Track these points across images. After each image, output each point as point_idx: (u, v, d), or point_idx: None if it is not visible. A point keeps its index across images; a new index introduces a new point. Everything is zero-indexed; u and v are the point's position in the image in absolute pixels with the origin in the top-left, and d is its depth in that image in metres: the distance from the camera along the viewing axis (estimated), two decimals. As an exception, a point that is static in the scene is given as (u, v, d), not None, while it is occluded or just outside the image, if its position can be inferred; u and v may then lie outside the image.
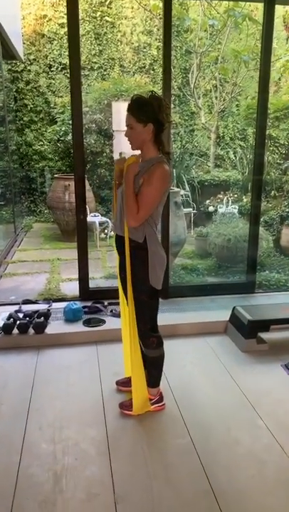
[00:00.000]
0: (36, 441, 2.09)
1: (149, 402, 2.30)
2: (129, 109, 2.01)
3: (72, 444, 2.07)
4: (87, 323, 3.25)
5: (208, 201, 6.94)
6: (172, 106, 8.48)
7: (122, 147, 7.07)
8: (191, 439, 2.12)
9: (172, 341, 3.09)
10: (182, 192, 6.99)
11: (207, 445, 2.08)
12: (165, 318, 3.32)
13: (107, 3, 8.16)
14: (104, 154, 7.40)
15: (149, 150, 2.06)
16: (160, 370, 2.32)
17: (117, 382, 2.54)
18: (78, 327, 3.20)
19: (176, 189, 4.39)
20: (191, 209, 6.86)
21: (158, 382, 2.34)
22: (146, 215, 2.02)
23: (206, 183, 7.40)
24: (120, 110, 6.93)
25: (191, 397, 2.47)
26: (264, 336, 3.04)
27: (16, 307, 3.48)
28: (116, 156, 7.50)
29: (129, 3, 8.32)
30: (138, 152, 2.11)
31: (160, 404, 2.34)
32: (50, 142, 8.06)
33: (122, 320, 2.43)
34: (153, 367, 2.29)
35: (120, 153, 7.50)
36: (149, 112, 1.99)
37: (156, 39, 8.30)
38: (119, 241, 2.17)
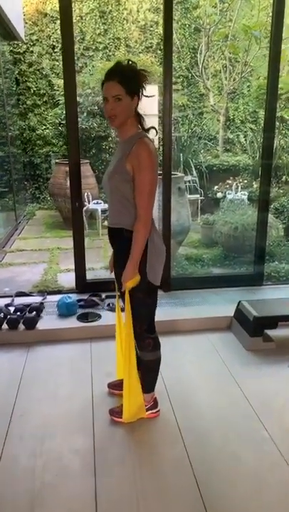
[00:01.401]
0: (16, 454, 1.91)
1: (144, 408, 2.10)
2: (118, 77, 1.74)
3: (55, 457, 1.88)
4: (82, 318, 3.05)
5: (216, 187, 6.66)
6: (180, 87, 8.14)
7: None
8: (187, 452, 1.92)
9: (171, 338, 2.90)
10: (189, 177, 6.72)
11: (203, 461, 1.87)
12: (165, 312, 3.12)
13: (111, -22, 7.79)
14: (110, 139, 7.13)
15: (132, 126, 1.84)
16: (156, 374, 2.12)
17: (109, 385, 2.34)
18: (72, 322, 3.01)
19: (179, 174, 4.13)
20: (198, 195, 6.59)
21: (152, 388, 2.13)
22: (152, 203, 1.82)
23: (215, 168, 7.10)
24: None
25: (188, 402, 2.27)
26: (271, 333, 2.81)
27: (9, 300, 3.31)
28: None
29: (134, -23, 7.94)
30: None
31: (154, 410, 2.14)
32: (53, 126, 7.81)
33: (116, 317, 2.22)
34: (148, 371, 2.08)
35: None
36: (138, 83, 1.77)
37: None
38: (112, 232, 1.95)
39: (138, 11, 7.96)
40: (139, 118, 1.85)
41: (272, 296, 3.40)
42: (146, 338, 2.00)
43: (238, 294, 3.43)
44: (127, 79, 1.75)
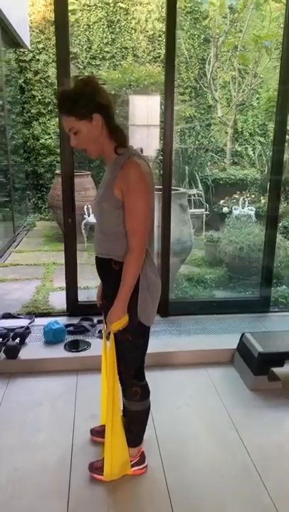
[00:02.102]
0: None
1: (128, 464, 1.82)
2: (63, 108, 1.49)
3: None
4: (70, 346, 2.79)
5: (222, 201, 6.39)
6: (188, 98, 7.94)
7: (138, 143, 6.59)
8: (176, 521, 1.64)
9: (167, 373, 2.63)
10: (194, 191, 6.47)
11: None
12: (161, 342, 2.85)
13: (121, -12, 7.66)
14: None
15: (110, 147, 1.56)
16: (143, 426, 1.84)
17: (92, 431, 2.07)
18: (58, 351, 2.74)
19: (181, 189, 3.87)
20: (203, 210, 6.33)
21: (139, 441, 1.86)
22: (146, 233, 1.55)
23: (221, 182, 6.85)
24: (136, 103, 6.45)
25: (181, 456, 1.98)
26: (278, 371, 2.52)
27: (-7, 322, 3.07)
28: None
29: (144, -13, 7.80)
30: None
31: (141, 466, 1.86)
32: (57, 136, 7.63)
33: (102, 351, 1.95)
34: (134, 423, 1.81)
35: (141, 150, 7.02)
36: (87, 101, 1.47)
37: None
38: (99, 263, 1.69)
39: (146, 21, 7.80)
40: (114, 133, 1.55)
41: (280, 327, 3.11)
42: (134, 385, 1.73)
43: (242, 322, 3.16)
44: (72, 106, 1.48)
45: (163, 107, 3.09)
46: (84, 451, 1.98)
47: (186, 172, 6.75)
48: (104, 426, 1.97)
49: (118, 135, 1.56)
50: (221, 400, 2.40)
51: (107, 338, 1.70)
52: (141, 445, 1.87)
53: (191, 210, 6.26)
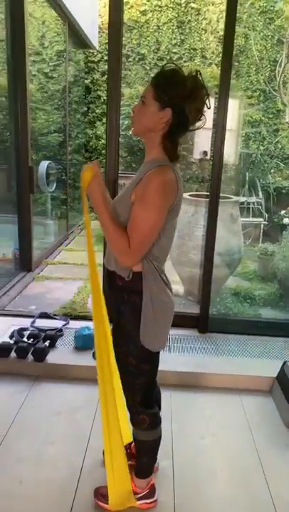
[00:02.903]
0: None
1: (132, 496, 1.67)
2: (153, 79, 1.38)
3: None
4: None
5: (283, 211, 6.01)
6: (256, 102, 7.59)
7: (203, 145, 6.41)
8: None
9: (195, 396, 2.44)
10: (254, 199, 6.15)
11: None
12: (193, 360, 2.67)
13: (194, -13, 7.51)
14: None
15: (154, 147, 1.42)
16: (152, 458, 1.68)
17: (104, 452, 1.94)
18: (85, 359, 2.66)
19: (234, 198, 3.64)
20: (262, 219, 5.99)
21: (149, 472, 1.70)
22: (145, 248, 1.39)
23: (284, 191, 6.45)
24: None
25: (196, 493, 1.80)
26: None
27: (30, 320, 3.06)
28: (196, 156, 6.86)
29: (218, -13, 7.58)
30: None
31: (149, 500, 1.70)
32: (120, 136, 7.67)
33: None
34: (142, 453, 1.65)
35: (204, 152, 6.83)
36: (177, 93, 1.33)
37: (245, 27, 7.45)
38: (107, 276, 1.57)
39: (218, 21, 7.57)
40: (169, 143, 1.40)
41: None
42: (141, 413, 1.58)
43: (287, 348, 2.88)
44: (161, 82, 1.36)
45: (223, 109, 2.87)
46: (93, 472, 1.86)
47: (247, 178, 6.44)
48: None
49: (170, 146, 1.40)
50: (251, 434, 2.16)
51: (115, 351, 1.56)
52: (150, 477, 1.71)
53: (248, 219, 5.95)
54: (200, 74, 1.35)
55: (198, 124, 1.40)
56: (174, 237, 1.53)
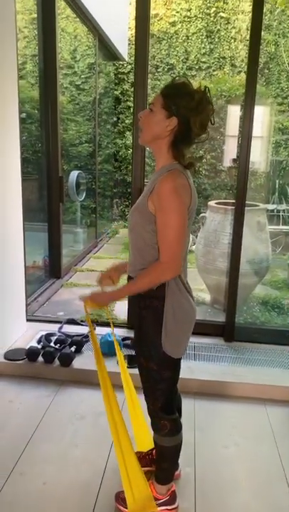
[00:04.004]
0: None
1: (153, 501, 1.68)
2: (164, 89, 1.45)
3: None
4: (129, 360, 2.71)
5: (315, 220, 5.89)
6: (287, 109, 7.50)
7: (234, 153, 6.39)
8: None
9: (221, 404, 2.43)
10: (284, 206, 6.06)
11: None
12: (219, 369, 2.65)
13: (223, -3, 7.56)
14: (204, 160, 6.80)
15: (162, 154, 1.47)
16: (173, 464, 1.69)
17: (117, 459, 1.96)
18: (110, 365, 2.67)
19: (261, 206, 3.61)
20: (292, 227, 5.88)
21: (168, 479, 1.70)
22: (178, 252, 1.41)
23: (315, 199, 6.31)
24: (232, 113, 6.29)
25: (218, 503, 1.78)
26: None
27: (57, 326, 3.14)
28: (227, 164, 6.83)
29: (248, -5, 7.59)
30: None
31: (170, 507, 1.69)
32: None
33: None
34: (162, 459, 1.66)
35: (234, 160, 6.80)
36: (184, 104, 1.39)
37: (275, 34, 7.41)
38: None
39: (247, 29, 7.55)
40: (176, 151, 1.44)
41: None
42: (161, 418, 1.59)
43: (316, 359, 2.81)
44: (169, 92, 1.43)
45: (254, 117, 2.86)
46: (115, 476, 1.88)
47: (277, 186, 6.35)
48: (139, 453, 1.86)
49: (177, 154, 1.45)
50: (276, 446, 2.13)
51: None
52: (171, 484, 1.71)
53: (278, 227, 5.86)
54: (208, 90, 1.40)
55: (202, 137, 1.45)
56: (188, 240, 1.55)
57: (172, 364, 1.55)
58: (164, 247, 1.40)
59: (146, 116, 1.46)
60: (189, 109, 1.39)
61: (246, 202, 2.87)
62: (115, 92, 7.72)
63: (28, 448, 2.05)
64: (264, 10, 7.37)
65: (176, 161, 1.45)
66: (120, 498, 1.72)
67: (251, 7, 2.75)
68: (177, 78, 1.45)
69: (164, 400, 1.58)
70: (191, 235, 4.43)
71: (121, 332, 3.05)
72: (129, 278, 1.59)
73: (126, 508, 1.68)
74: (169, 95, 1.42)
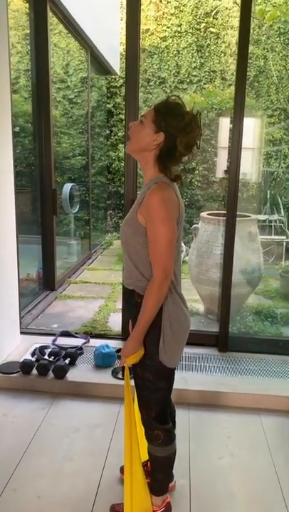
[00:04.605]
0: None
1: (150, 513, 1.67)
2: (157, 105, 1.49)
3: None
4: (117, 373, 2.72)
5: (306, 229, 5.96)
6: (277, 121, 7.63)
7: (225, 165, 6.47)
8: None
9: (215, 415, 2.43)
10: (275, 216, 6.12)
11: None
12: (213, 379, 2.66)
13: (213, 13, 7.72)
14: (196, 172, 6.88)
15: (148, 166, 1.51)
16: (167, 474, 1.69)
17: (122, 469, 1.95)
18: (105, 377, 2.69)
19: (252, 216, 3.65)
20: (284, 237, 5.94)
21: (164, 490, 1.70)
22: (169, 263, 1.43)
23: (307, 209, 6.39)
24: (224, 126, 6.39)
25: (214, 514, 1.78)
26: None
27: (51, 338, 3.14)
28: (219, 175, 6.92)
29: (237, 11, 7.76)
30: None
31: (165, 519, 1.70)
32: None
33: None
34: (157, 470, 1.66)
35: (226, 171, 6.88)
36: (173, 122, 1.44)
37: (264, 48, 7.57)
38: (125, 293, 1.62)
39: (237, 44, 7.73)
40: (161, 164, 1.48)
41: None
42: (155, 428, 1.59)
43: (309, 367, 2.83)
44: (162, 111, 1.47)
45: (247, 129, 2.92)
46: (110, 489, 1.87)
47: (268, 196, 6.43)
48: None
49: (163, 168, 1.48)
50: (270, 456, 2.13)
51: (122, 373, 1.60)
52: (166, 495, 1.71)
53: (270, 237, 5.91)
54: (200, 115, 1.45)
55: (186, 158, 1.49)
56: (180, 251, 1.58)
57: (167, 374, 1.56)
58: (155, 258, 1.42)
59: (136, 126, 1.50)
60: (178, 129, 1.43)
61: (238, 213, 2.92)
62: (108, 105, 7.81)
63: (23, 462, 2.03)
64: (252, 25, 7.54)
65: (163, 174, 1.48)
66: (115, 511, 1.71)
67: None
68: (173, 98, 1.49)
69: (158, 410, 1.59)
70: (184, 246, 4.45)
71: (115, 344, 3.04)
72: (124, 288, 1.60)
73: (121, 520, 1.67)
74: (161, 111, 1.46)
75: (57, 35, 5.28)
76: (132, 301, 1.54)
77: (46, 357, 2.82)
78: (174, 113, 1.45)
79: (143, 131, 1.47)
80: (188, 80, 7.81)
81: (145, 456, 1.80)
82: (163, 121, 1.44)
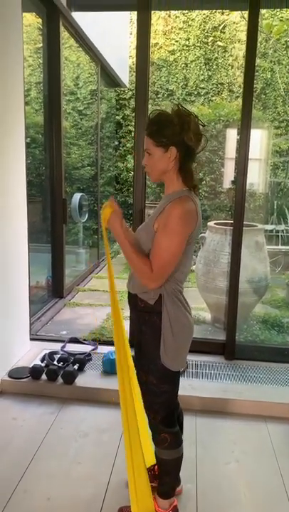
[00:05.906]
0: None
1: (155, 515, 1.70)
2: (147, 129, 1.53)
3: None
4: (125, 379, 2.75)
5: (313, 240, 5.98)
6: (284, 132, 7.71)
7: (232, 175, 6.54)
8: None
9: (222, 421, 2.45)
10: (282, 227, 6.16)
11: None
12: (220, 386, 2.69)
13: (220, 27, 7.86)
14: (204, 182, 6.95)
15: (172, 182, 1.56)
16: (174, 478, 1.72)
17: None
18: (112, 383, 2.72)
19: (259, 226, 3.70)
20: (291, 247, 5.97)
21: (171, 493, 1.73)
22: (166, 272, 1.50)
23: (313, 219, 6.42)
24: (231, 137, 6.48)
25: (221, 518, 1.80)
26: None
27: (60, 345, 3.19)
28: (226, 185, 6.98)
29: (244, 26, 7.89)
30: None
31: (172, 522, 1.72)
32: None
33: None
34: (164, 473, 1.70)
35: (233, 182, 6.95)
36: (171, 132, 1.48)
37: (271, 61, 7.68)
38: (130, 297, 1.68)
39: (244, 57, 7.84)
40: (185, 173, 1.53)
41: None
42: (162, 431, 1.63)
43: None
44: (155, 130, 1.50)
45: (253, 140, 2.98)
46: (118, 492, 1.91)
47: (275, 206, 6.47)
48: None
49: (187, 177, 1.54)
50: (277, 462, 2.15)
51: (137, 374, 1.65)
52: (173, 498, 1.74)
53: (277, 247, 5.95)
54: (181, 105, 1.48)
55: (201, 145, 1.52)
56: (191, 260, 1.63)
57: (171, 377, 1.60)
58: (157, 263, 1.47)
59: (148, 160, 1.55)
60: (178, 132, 1.47)
61: (244, 222, 2.97)
62: (117, 117, 7.95)
63: (33, 465, 2.07)
64: (260, 39, 7.63)
65: (186, 187, 1.54)
66: (123, 513, 1.74)
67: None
68: (151, 114, 1.53)
69: (165, 414, 1.63)
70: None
71: (123, 350, 3.08)
72: (129, 294, 1.66)
73: (129, 523, 1.70)
74: (153, 133, 1.50)
75: (68, 49, 5.43)
76: (135, 305, 1.59)
77: (55, 363, 2.86)
78: (164, 125, 1.49)
79: (155, 159, 1.52)
80: (196, 93, 7.93)
81: (153, 460, 1.84)
82: (162, 138, 1.48)
